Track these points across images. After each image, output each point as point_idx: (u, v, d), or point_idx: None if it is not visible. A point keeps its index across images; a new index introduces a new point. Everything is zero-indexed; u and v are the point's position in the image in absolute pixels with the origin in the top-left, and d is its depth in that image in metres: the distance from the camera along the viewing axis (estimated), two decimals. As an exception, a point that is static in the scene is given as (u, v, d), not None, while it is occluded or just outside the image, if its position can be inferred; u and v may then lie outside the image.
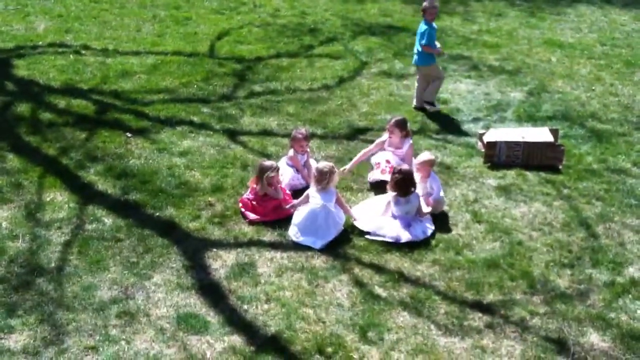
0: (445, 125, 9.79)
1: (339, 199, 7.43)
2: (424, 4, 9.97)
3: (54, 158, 8.59)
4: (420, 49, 9.96)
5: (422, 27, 9.92)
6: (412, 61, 10.36)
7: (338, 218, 7.33)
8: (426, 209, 7.56)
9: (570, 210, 7.83)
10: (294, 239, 7.18)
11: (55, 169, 8.35)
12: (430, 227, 7.38)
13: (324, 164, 7.40)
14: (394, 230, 7.25)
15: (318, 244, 7.08)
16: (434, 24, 10.03)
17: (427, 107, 10.17)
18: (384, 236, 7.21)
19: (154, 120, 9.61)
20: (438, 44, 10.08)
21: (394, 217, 7.41)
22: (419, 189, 7.64)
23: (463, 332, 6.01)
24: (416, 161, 7.86)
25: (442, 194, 7.73)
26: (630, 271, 6.87)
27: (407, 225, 7.30)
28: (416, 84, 10.36)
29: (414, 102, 10.35)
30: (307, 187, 7.72)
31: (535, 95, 10.82)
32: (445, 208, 7.80)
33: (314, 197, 7.32)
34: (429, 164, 7.78)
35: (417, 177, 7.70)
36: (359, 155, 8.43)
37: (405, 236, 7.19)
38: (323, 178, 7.28)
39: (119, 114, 9.78)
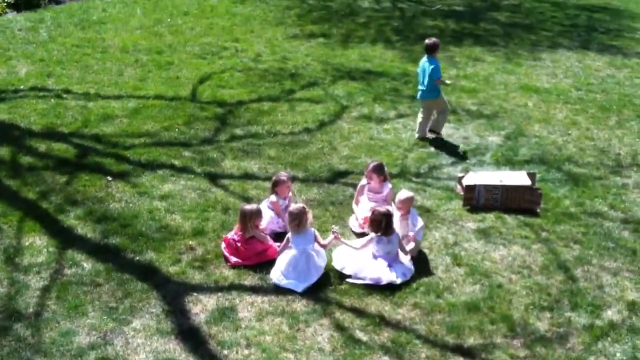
0: (425, 169, 9.90)
1: (317, 237, 7.50)
2: (430, 41, 10.69)
3: (34, 202, 8.56)
4: (425, 85, 10.60)
5: (429, 63, 10.57)
6: (417, 96, 10.96)
7: (319, 260, 7.36)
8: (409, 246, 7.61)
9: (548, 253, 7.91)
10: (277, 282, 7.18)
11: (35, 213, 8.31)
12: (410, 270, 7.41)
13: (295, 206, 7.47)
14: (375, 271, 7.26)
15: (300, 287, 7.08)
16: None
17: (437, 136, 10.87)
18: (364, 279, 7.23)
19: (134, 164, 9.62)
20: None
21: (375, 257, 7.44)
22: (400, 228, 7.69)
23: (444, 377, 6.00)
24: (397, 199, 7.93)
25: (421, 232, 7.82)
26: (609, 314, 6.92)
27: (388, 266, 7.33)
28: (420, 117, 10.87)
29: (417, 134, 10.87)
30: (286, 231, 7.77)
31: (512, 139, 10.98)
32: (425, 251, 7.84)
33: (294, 242, 7.35)
34: (409, 201, 7.86)
35: (397, 215, 7.76)
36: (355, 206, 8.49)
37: (386, 277, 7.21)
38: (294, 219, 7.33)
39: (99, 158, 9.78)
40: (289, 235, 7.47)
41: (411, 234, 7.73)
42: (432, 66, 10.49)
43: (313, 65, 14.15)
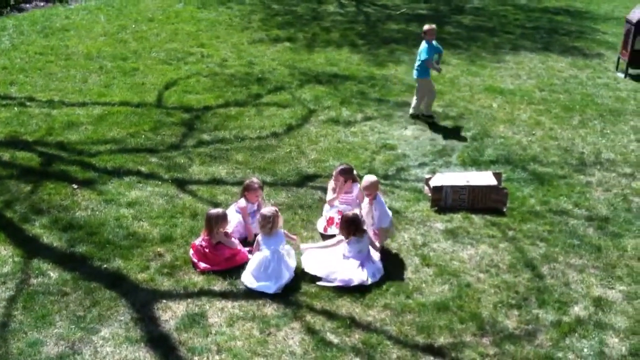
0: (392, 171, 9.96)
1: (286, 234, 7.59)
2: (425, 27, 11.63)
3: (-2, 211, 8.43)
4: (418, 64, 11.57)
5: (423, 45, 11.52)
6: (413, 75, 11.96)
7: (290, 260, 7.40)
8: (377, 244, 7.67)
9: (515, 252, 8.01)
10: (249, 285, 7.17)
11: (-1, 222, 8.19)
12: (380, 269, 7.45)
13: (268, 209, 7.48)
14: (345, 273, 7.28)
15: (272, 288, 7.08)
16: (435, 43, 11.57)
17: (429, 119, 11.80)
18: (334, 281, 7.24)
19: (100, 171, 9.53)
20: (439, 65, 11.84)
21: (346, 257, 7.46)
22: (366, 211, 7.85)
23: (415, 376, 6.04)
24: (362, 184, 7.97)
25: (389, 216, 7.90)
26: (576, 310, 7.03)
27: (360, 266, 7.35)
28: (415, 96, 11.91)
29: (411, 111, 11.93)
30: (248, 238, 7.86)
31: (478, 140, 11.10)
32: (395, 252, 7.89)
33: (264, 243, 7.35)
34: (374, 186, 7.88)
35: (365, 201, 7.92)
36: (327, 207, 8.46)
37: (357, 278, 7.23)
38: (267, 223, 7.36)
39: (64, 166, 9.67)
40: (259, 238, 7.47)
41: (371, 231, 7.79)
42: (423, 47, 11.49)
43: (279, 69, 14.15)
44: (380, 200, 7.91)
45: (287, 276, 7.25)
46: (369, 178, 7.96)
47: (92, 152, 10.12)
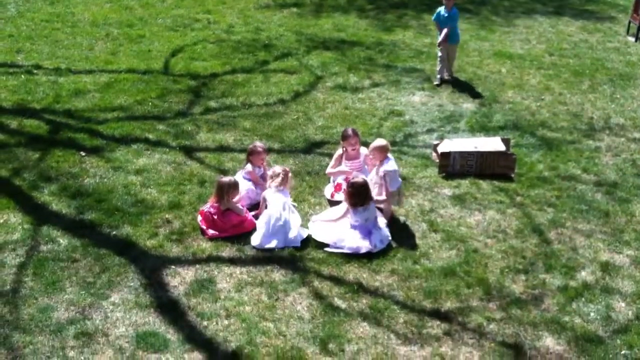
0: (400, 137, 9.92)
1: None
2: None
3: (7, 179, 8.47)
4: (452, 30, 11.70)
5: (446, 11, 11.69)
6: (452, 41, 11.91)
7: (296, 217, 7.53)
8: (381, 198, 7.74)
9: (523, 217, 8.00)
10: (258, 245, 7.27)
11: (8, 190, 8.23)
12: (387, 236, 7.46)
13: (279, 167, 7.71)
14: (353, 241, 7.31)
15: (281, 243, 7.26)
16: (451, 11, 11.62)
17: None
18: (342, 248, 7.27)
19: (108, 139, 9.54)
20: (444, 31, 11.66)
21: (353, 227, 7.47)
22: (373, 174, 7.84)
23: (422, 341, 6.08)
24: (371, 146, 7.92)
25: (399, 182, 7.84)
26: (583, 275, 7.04)
27: (368, 234, 7.37)
28: (442, 63, 11.90)
29: (447, 77, 12.05)
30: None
31: (486, 105, 11.03)
32: (402, 218, 7.90)
33: (272, 197, 7.48)
34: (383, 149, 7.81)
35: (373, 163, 7.94)
36: (333, 173, 8.41)
37: (364, 246, 7.26)
38: (277, 176, 7.55)
39: (72, 133, 9.68)
40: (265, 194, 7.58)
41: (381, 198, 7.77)
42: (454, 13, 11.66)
43: (286, 35, 14.05)
44: (390, 163, 7.82)
45: (295, 231, 7.36)
46: (379, 141, 7.93)
47: (99, 119, 10.12)
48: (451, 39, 11.75)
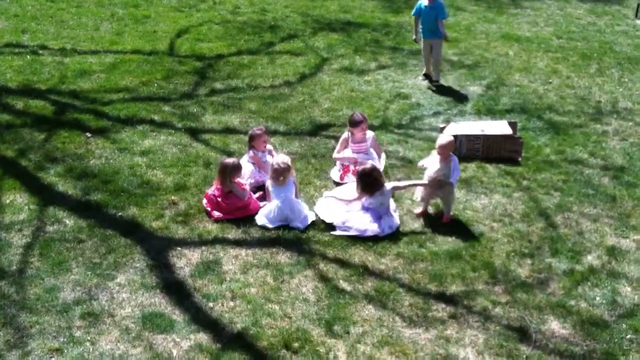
0: (406, 120, 9.88)
1: (295, 187, 7.62)
2: None
3: (13, 160, 8.47)
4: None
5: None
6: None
7: (301, 206, 7.51)
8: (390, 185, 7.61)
9: (529, 201, 7.98)
10: (264, 225, 7.33)
11: (14, 170, 8.23)
12: (397, 223, 7.44)
13: (280, 161, 7.45)
14: (362, 223, 7.28)
15: (293, 224, 7.31)
16: (434, 3, 10.73)
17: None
18: (349, 229, 7.26)
19: (114, 120, 9.52)
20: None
21: (365, 209, 7.44)
22: (438, 170, 7.39)
23: (427, 323, 6.08)
24: (437, 144, 7.51)
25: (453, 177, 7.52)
26: (589, 259, 7.03)
27: (378, 218, 7.34)
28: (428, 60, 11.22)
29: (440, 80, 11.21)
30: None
31: (493, 88, 10.97)
32: (408, 201, 7.88)
33: (274, 193, 7.41)
34: (447, 147, 7.41)
35: (437, 158, 7.50)
36: (340, 158, 8.32)
37: (371, 229, 7.24)
38: (279, 175, 7.38)
39: (78, 114, 9.67)
40: (269, 185, 7.52)
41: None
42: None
43: (292, 17, 13.98)
44: (454, 159, 7.52)
45: (301, 217, 7.38)
46: (443, 138, 7.51)
47: (105, 100, 10.10)
48: (435, 33, 10.86)
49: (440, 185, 7.44)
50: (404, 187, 7.81)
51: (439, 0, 10.76)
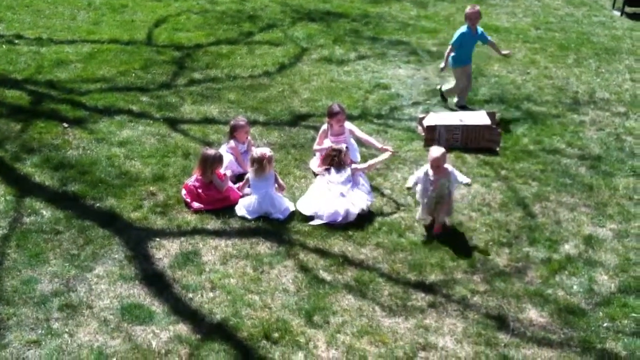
0: (386, 110, 9.89)
1: (276, 177, 7.59)
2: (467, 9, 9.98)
3: (-12, 150, 8.37)
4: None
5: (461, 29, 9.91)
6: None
7: (281, 201, 7.47)
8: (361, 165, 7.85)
9: (507, 191, 8.03)
10: (243, 215, 7.33)
11: (-10, 161, 8.14)
12: (367, 198, 7.49)
13: (260, 153, 7.43)
14: (328, 206, 7.30)
15: (273, 217, 7.31)
16: (477, 32, 9.95)
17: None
18: (321, 217, 7.26)
19: (91, 110, 9.43)
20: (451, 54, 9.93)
21: (329, 190, 7.51)
22: (441, 189, 7.12)
23: (407, 313, 6.11)
24: (429, 158, 7.18)
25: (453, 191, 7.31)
26: (566, 248, 7.09)
27: (341, 195, 7.38)
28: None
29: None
30: (245, 172, 7.84)
31: (472, 79, 10.99)
32: (387, 191, 7.90)
33: (254, 187, 7.39)
34: (440, 159, 7.06)
35: (430, 174, 7.17)
36: (320, 150, 8.25)
37: (341, 208, 7.26)
38: (258, 165, 7.38)
39: (54, 104, 9.56)
40: (248, 175, 7.49)
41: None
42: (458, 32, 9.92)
43: (272, 6, 13.91)
44: (454, 174, 7.22)
45: (281, 209, 7.39)
46: (433, 151, 7.11)
47: (82, 90, 10.00)
48: (469, 59, 10.02)
49: (443, 202, 7.15)
50: (367, 169, 7.93)
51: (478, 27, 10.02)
